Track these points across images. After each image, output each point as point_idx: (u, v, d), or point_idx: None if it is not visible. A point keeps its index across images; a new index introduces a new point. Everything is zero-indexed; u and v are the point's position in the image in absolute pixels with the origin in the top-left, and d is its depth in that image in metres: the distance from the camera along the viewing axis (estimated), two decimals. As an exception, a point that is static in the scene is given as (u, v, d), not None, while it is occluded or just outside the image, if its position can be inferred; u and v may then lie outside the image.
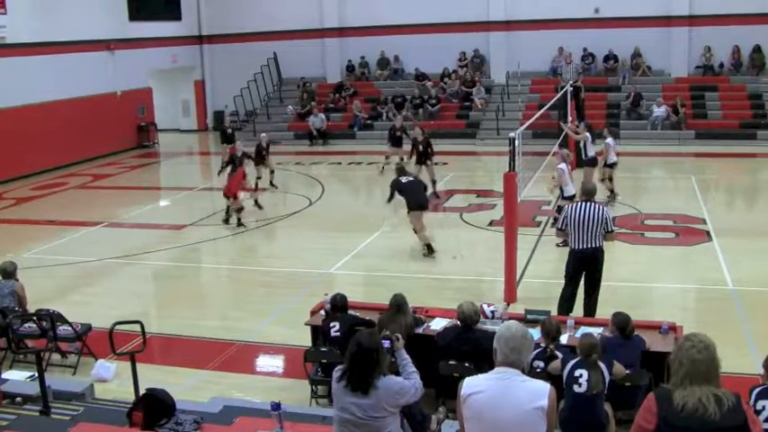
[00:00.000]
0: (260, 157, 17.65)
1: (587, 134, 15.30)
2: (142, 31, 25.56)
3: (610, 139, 15.56)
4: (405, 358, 4.90)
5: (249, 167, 16.37)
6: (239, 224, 14.58)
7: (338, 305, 7.49)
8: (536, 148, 16.55)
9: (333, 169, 21.47)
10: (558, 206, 13.43)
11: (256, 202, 16.09)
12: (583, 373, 6.00)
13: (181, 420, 5.43)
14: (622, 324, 6.68)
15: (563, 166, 12.99)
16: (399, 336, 5.07)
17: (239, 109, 27.29)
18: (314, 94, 27.05)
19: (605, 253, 8.72)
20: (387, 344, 4.73)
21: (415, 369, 4.83)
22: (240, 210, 14.65)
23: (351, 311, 7.61)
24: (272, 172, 18.20)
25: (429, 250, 12.32)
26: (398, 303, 7.28)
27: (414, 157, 16.68)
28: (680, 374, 3.43)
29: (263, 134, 18.63)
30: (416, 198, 12.16)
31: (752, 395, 5.23)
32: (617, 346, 6.55)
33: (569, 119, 17.38)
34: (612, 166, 15.50)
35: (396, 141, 19.24)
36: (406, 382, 4.64)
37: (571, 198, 12.93)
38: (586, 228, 8.50)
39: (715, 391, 3.37)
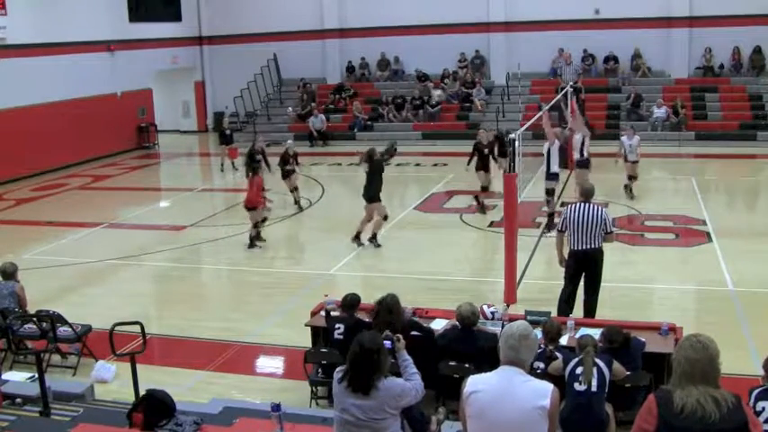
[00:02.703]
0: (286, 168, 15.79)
1: (587, 130, 15.21)
2: (142, 32, 25.57)
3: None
4: (406, 359, 4.89)
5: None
6: (252, 244, 13.15)
7: (347, 303, 7.38)
8: (536, 150, 16.54)
9: (333, 170, 21.48)
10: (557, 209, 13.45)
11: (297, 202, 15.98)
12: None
13: (181, 421, 5.43)
14: (611, 337, 6.49)
15: (556, 145, 13.14)
16: (400, 336, 5.06)
17: (239, 110, 27.27)
18: (314, 95, 27.04)
19: (605, 254, 8.73)
20: (388, 344, 4.73)
21: (416, 370, 4.82)
22: (264, 220, 13.41)
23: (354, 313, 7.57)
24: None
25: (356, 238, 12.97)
26: (389, 305, 6.66)
27: (473, 162, 15.19)
28: (677, 373, 3.43)
29: (290, 141, 17.17)
30: (365, 190, 12.94)
31: (751, 396, 5.22)
32: (617, 354, 6.48)
33: (570, 116, 17.33)
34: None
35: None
36: (408, 384, 4.64)
37: (554, 176, 13.06)
38: (586, 229, 8.50)
39: (712, 392, 3.35)
